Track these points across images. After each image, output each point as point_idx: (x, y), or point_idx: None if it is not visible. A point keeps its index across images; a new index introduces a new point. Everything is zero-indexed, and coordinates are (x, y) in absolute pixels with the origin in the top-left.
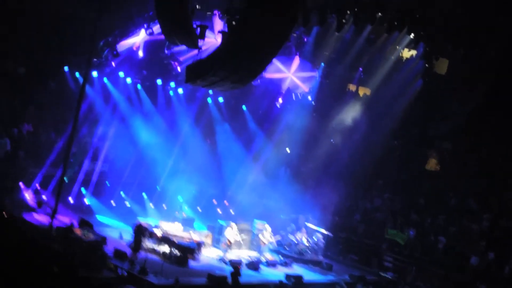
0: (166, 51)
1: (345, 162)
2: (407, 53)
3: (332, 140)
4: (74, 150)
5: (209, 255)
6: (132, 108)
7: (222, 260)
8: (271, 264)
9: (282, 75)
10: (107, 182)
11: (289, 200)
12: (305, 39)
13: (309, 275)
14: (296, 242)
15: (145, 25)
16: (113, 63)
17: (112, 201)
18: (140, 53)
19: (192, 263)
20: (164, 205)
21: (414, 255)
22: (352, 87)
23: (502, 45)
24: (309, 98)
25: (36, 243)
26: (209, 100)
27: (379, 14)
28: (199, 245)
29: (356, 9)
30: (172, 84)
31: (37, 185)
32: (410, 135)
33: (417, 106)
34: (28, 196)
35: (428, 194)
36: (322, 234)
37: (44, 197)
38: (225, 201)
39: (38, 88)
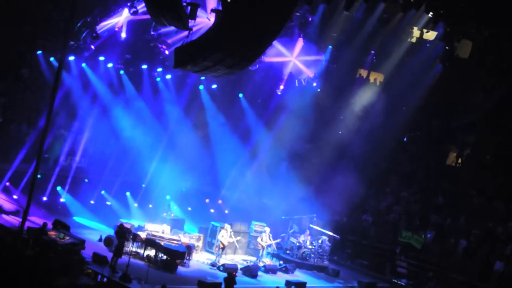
0: (152, 33)
1: (355, 156)
2: (425, 34)
3: (340, 132)
4: (48, 143)
5: (200, 260)
6: (114, 96)
7: (214, 265)
8: (270, 269)
9: (284, 59)
10: (85, 179)
11: (291, 199)
12: (310, 19)
13: (313, 282)
14: (298, 245)
15: (129, 4)
16: (92, 47)
17: (91, 201)
18: (123, 35)
19: (181, 268)
20: (150, 205)
21: (432, 260)
22: (363, 72)
23: None
24: (314, 84)
25: (6, 247)
26: (201, 87)
27: None
28: (189, 248)
29: None
30: (159, 69)
31: (7, 183)
32: (428, 127)
33: (436, 94)
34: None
35: (448, 192)
36: (328, 236)
37: (14, 196)
38: (219, 200)
39: (8, 75)
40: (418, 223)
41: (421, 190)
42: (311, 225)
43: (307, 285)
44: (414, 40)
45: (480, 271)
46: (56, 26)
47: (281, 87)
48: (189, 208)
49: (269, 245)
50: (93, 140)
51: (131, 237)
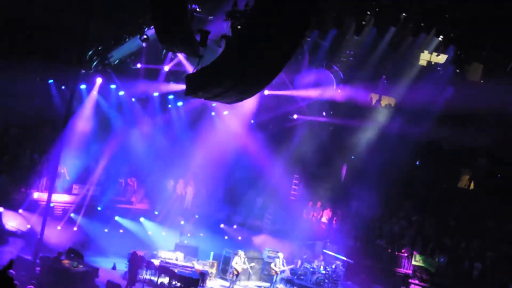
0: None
1: (367, 181)
2: (435, 58)
3: (352, 157)
4: (61, 172)
5: (214, 287)
6: (126, 124)
7: None
8: None
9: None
10: (99, 207)
11: (304, 224)
12: (321, 44)
13: None
14: (312, 270)
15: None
16: (100, 79)
17: (105, 229)
18: (138, 65)
19: None
20: (163, 232)
21: (446, 283)
22: (375, 97)
23: None
24: (324, 111)
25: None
26: (213, 113)
27: (403, 14)
28: (202, 275)
29: (377, 10)
30: (171, 96)
31: (20, 210)
32: (440, 150)
33: (448, 118)
34: (10, 223)
35: (462, 215)
36: (342, 261)
37: (28, 225)
38: (234, 226)
39: (20, 104)
40: (432, 246)
41: (435, 213)
42: (324, 250)
43: None
44: (425, 63)
45: None
46: (67, 55)
47: (295, 115)
48: (201, 234)
49: (283, 271)
50: (106, 168)
51: (145, 264)
